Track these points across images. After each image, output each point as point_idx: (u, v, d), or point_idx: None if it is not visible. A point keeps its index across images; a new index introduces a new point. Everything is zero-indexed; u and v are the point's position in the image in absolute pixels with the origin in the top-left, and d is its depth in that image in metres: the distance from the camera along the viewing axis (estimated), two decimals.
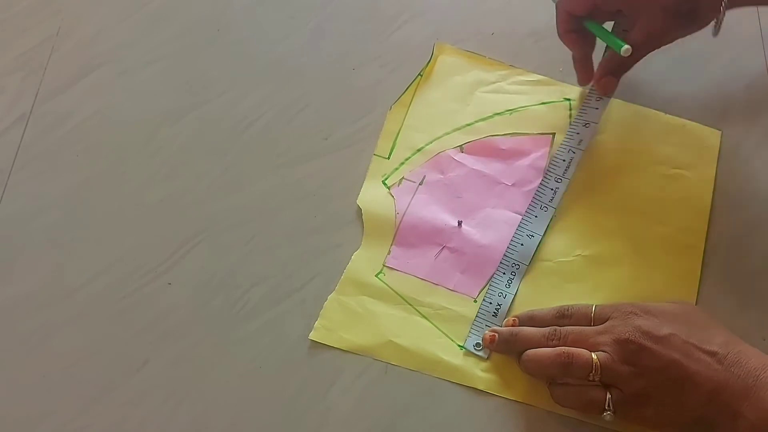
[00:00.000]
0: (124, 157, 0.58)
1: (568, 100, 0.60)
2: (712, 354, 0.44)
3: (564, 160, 0.56)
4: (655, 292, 0.51)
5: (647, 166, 0.58)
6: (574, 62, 0.59)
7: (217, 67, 0.62)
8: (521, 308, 0.52)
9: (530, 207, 0.55)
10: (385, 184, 0.57)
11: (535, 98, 0.60)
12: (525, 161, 0.58)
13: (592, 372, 0.45)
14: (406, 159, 0.58)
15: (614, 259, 0.54)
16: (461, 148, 0.58)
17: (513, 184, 0.57)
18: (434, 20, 0.64)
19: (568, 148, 0.57)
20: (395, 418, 0.49)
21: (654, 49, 0.55)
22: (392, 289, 0.53)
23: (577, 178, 0.57)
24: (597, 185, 0.57)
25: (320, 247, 0.54)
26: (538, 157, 0.58)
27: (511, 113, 0.60)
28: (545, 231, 0.55)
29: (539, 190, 0.56)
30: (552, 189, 0.56)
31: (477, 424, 0.49)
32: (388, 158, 0.58)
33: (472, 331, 0.51)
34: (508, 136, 0.59)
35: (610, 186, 0.57)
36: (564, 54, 0.61)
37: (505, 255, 0.54)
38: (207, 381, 0.50)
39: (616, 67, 0.56)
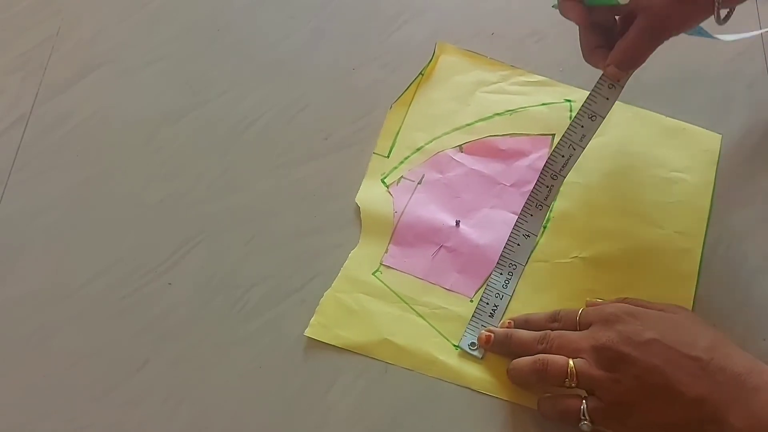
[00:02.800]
0: (124, 157, 0.58)
1: (569, 101, 0.60)
2: (696, 359, 0.43)
3: (563, 156, 0.54)
4: (652, 296, 0.51)
5: (646, 169, 0.57)
6: (581, 41, 0.53)
7: (217, 67, 0.62)
8: (517, 309, 0.52)
9: (526, 206, 0.55)
10: (383, 182, 0.57)
11: (535, 99, 0.60)
12: (524, 162, 0.58)
13: (567, 378, 0.45)
14: (406, 158, 0.58)
15: (611, 262, 0.54)
16: (461, 148, 0.58)
17: (512, 185, 0.57)
18: (434, 20, 0.64)
19: (570, 143, 0.54)
20: (395, 418, 0.49)
21: (660, 40, 0.50)
22: (389, 287, 0.53)
23: (576, 179, 0.57)
24: (595, 187, 0.57)
25: (320, 247, 0.54)
26: (538, 158, 0.58)
27: (511, 114, 0.60)
28: (541, 230, 0.55)
29: (535, 187, 0.55)
30: (548, 186, 0.55)
31: (477, 424, 0.49)
32: (388, 157, 0.58)
33: (468, 330, 0.51)
34: (508, 136, 0.59)
35: (609, 188, 0.57)
36: (564, 54, 0.61)
37: (501, 255, 0.54)
38: (207, 381, 0.50)
39: (625, 59, 0.50)
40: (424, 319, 0.52)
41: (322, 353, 0.50)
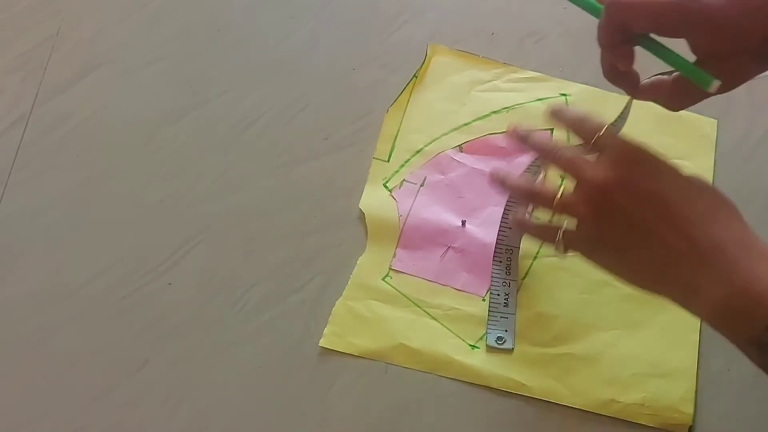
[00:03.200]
0: (124, 157, 0.58)
1: (565, 95, 0.60)
2: (685, 220, 0.40)
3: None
4: None
5: None
6: (610, 73, 0.46)
7: (217, 67, 0.62)
8: (529, 302, 0.52)
9: None
10: (386, 187, 0.57)
11: (531, 95, 0.60)
12: (525, 158, 0.58)
13: (552, 205, 0.43)
14: (406, 161, 0.58)
15: None
16: (460, 148, 0.58)
17: None
18: (434, 20, 0.64)
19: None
20: (395, 418, 0.49)
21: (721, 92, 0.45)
22: (400, 291, 0.53)
23: None
24: None
25: (320, 248, 0.54)
26: None
27: (507, 111, 0.60)
28: None
29: (526, 170, 0.53)
30: (537, 164, 0.53)
31: (477, 423, 0.49)
32: (388, 161, 0.58)
33: (490, 327, 0.51)
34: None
35: None
36: (564, 54, 0.61)
37: (496, 244, 0.53)
38: (207, 381, 0.50)
39: (669, 103, 0.47)
40: (438, 321, 0.52)
41: (322, 353, 0.50)
